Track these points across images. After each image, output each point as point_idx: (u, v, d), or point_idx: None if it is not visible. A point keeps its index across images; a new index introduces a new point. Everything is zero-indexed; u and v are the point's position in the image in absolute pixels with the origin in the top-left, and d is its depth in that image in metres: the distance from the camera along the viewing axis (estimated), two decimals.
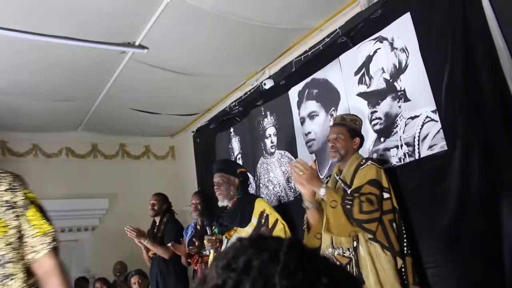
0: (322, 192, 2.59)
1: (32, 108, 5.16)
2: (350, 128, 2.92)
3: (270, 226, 3.29)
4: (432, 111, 2.84)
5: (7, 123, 5.53)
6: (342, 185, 2.74)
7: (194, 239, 4.28)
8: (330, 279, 0.61)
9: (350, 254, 2.63)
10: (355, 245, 2.62)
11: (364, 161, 2.78)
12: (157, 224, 4.73)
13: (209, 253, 3.80)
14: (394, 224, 2.61)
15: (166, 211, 4.77)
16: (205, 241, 3.63)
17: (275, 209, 3.52)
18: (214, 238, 3.55)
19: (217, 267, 0.63)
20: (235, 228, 3.42)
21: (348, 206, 2.51)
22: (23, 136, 5.86)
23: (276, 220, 3.31)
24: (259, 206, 3.39)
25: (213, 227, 3.66)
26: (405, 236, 2.65)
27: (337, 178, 2.78)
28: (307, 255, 0.63)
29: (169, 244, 4.47)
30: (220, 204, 3.56)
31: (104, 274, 5.67)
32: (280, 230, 3.27)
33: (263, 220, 3.32)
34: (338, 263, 2.65)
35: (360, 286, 0.66)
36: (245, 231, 3.33)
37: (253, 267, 0.60)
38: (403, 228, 2.67)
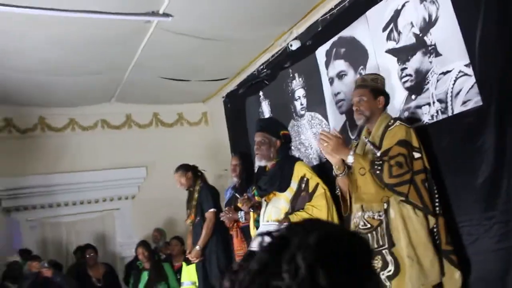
0: (350, 159, 2.59)
1: (65, 84, 5.25)
2: (372, 88, 2.86)
3: (310, 191, 3.21)
4: (465, 65, 2.71)
5: (43, 100, 5.68)
6: (371, 147, 2.69)
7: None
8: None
9: (380, 217, 2.61)
10: (385, 207, 2.60)
11: (392, 121, 2.71)
12: (193, 193, 4.68)
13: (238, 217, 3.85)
14: (426, 184, 2.57)
15: (196, 177, 4.69)
16: (239, 203, 3.63)
17: (315, 169, 3.40)
18: (245, 197, 3.53)
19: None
20: (274, 192, 3.36)
21: (378, 172, 2.50)
22: (60, 111, 5.99)
23: (317, 185, 3.21)
24: (299, 170, 3.30)
25: (253, 189, 3.60)
26: (437, 196, 2.60)
27: (366, 140, 2.73)
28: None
29: (211, 210, 4.38)
30: (257, 163, 3.53)
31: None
32: (321, 195, 3.17)
33: (303, 185, 3.24)
34: (368, 225, 2.64)
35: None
36: (284, 196, 3.28)
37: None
38: (435, 188, 2.62)
